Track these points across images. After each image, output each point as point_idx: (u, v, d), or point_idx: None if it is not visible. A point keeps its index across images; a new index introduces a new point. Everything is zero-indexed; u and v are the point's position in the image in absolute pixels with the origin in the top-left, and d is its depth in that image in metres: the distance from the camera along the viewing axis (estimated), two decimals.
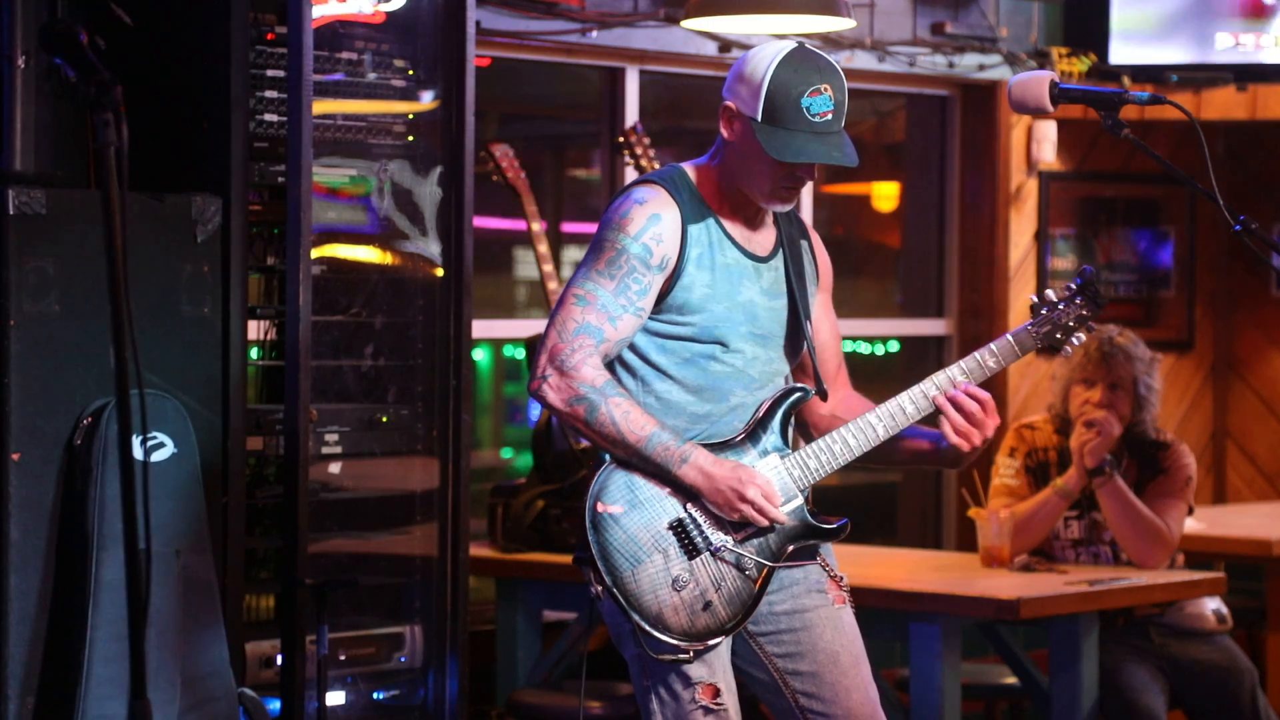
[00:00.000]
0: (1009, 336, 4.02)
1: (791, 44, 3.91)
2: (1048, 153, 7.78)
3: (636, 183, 3.98)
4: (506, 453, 7.44)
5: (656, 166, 5.81)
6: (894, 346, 7.90)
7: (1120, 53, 7.75)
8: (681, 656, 3.85)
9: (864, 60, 7.23)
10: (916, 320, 7.92)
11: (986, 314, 7.76)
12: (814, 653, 3.99)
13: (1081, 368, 5.71)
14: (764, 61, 3.87)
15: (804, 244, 4.09)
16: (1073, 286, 4.08)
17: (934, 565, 5.97)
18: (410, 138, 5.14)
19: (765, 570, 3.90)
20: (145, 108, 4.58)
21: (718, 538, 3.87)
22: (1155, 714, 5.59)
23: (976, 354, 4.00)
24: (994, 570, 5.55)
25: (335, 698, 4.97)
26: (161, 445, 4.53)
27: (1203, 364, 8.51)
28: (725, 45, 6.85)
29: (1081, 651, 5.43)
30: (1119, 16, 7.74)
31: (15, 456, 4.39)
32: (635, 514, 3.85)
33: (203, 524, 4.58)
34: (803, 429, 4.09)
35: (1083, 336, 4.07)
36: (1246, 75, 7.79)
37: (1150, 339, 6.06)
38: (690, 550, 3.86)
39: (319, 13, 4.90)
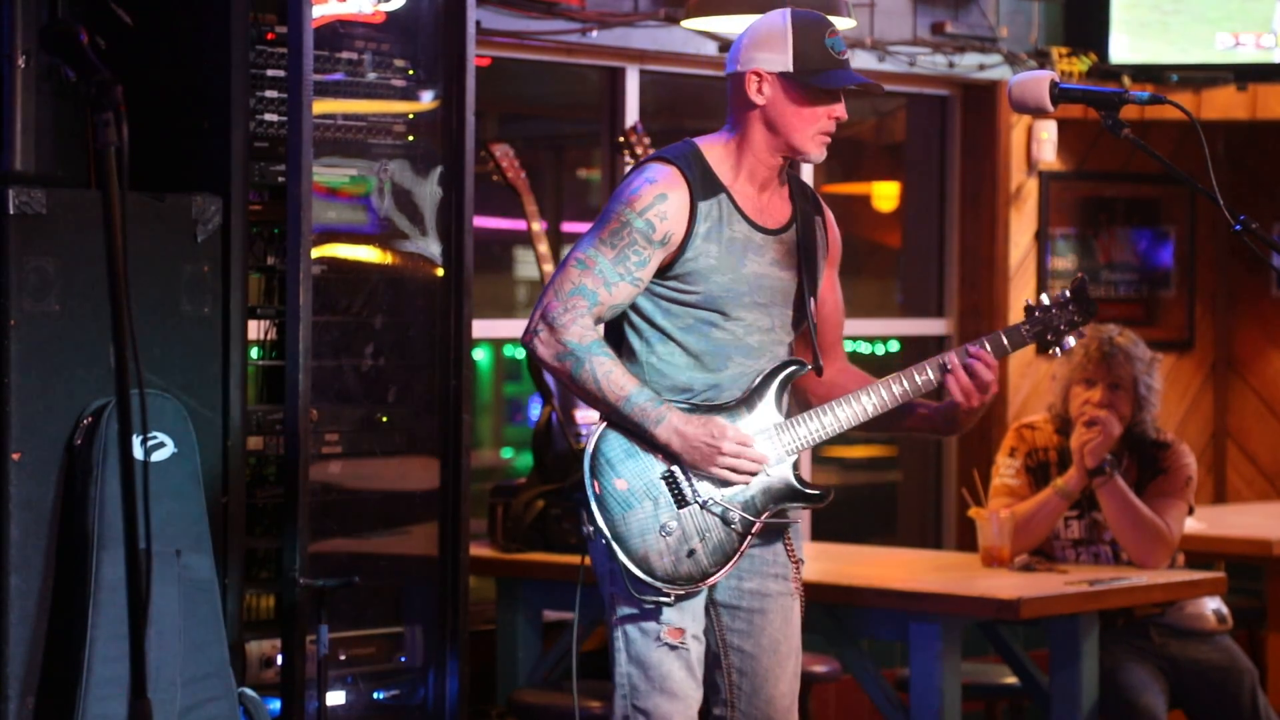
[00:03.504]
0: (1001, 334, 4.27)
1: (785, 8, 4.18)
2: (1048, 153, 7.77)
3: (651, 159, 4.18)
4: (506, 453, 7.44)
5: None
6: (894, 346, 7.90)
7: (1120, 52, 7.75)
8: (663, 599, 4.06)
9: (864, 60, 7.23)
10: (916, 320, 7.92)
11: (986, 314, 7.76)
12: (760, 636, 4.21)
13: (1082, 368, 5.71)
14: (777, 23, 4.14)
15: (818, 219, 4.30)
16: (1068, 293, 4.30)
17: (934, 565, 5.97)
18: (410, 137, 5.14)
19: (749, 525, 4.10)
20: (145, 108, 4.58)
21: (706, 490, 4.08)
22: (1155, 714, 5.59)
23: (969, 345, 4.22)
24: (994, 570, 5.55)
25: (335, 698, 4.97)
26: (161, 445, 4.53)
27: (1203, 364, 8.51)
28: (725, 45, 6.84)
29: (1081, 651, 5.43)
30: (1119, 16, 7.74)
31: (15, 456, 4.39)
32: (631, 462, 4.07)
33: (203, 524, 4.58)
34: (801, 399, 4.29)
35: (1072, 341, 4.30)
36: (1246, 75, 7.79)
37: (1150, 339, 6.05)
38: (679, 500, 4.08)
39: (319, 13, 4.90)
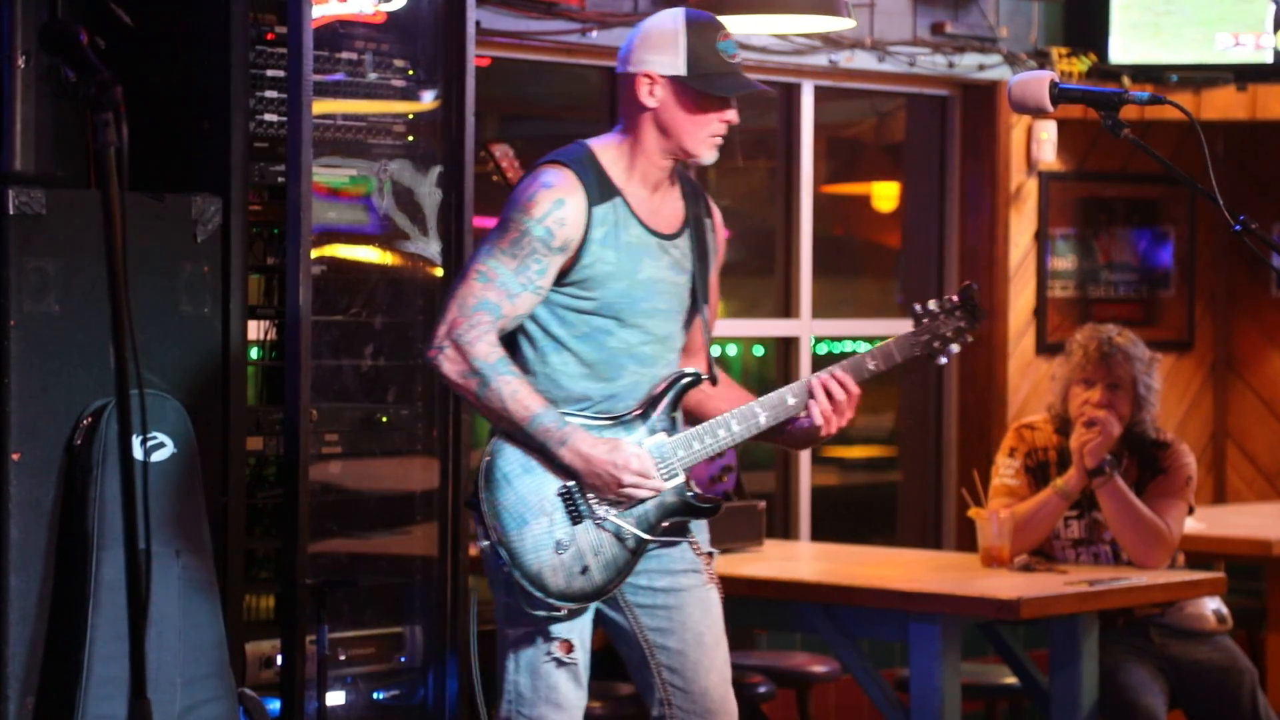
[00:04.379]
0: (891, 344, 4.25)
1: (678, 9, 4.17)
2: (1048, 153, 7.78)
3: (544, 163, 4.16)
4: None
5: None
6: None
7: (1120, 53, 7.75)
8: (556, 615, 4.08)
9: (864, 60, 7.23)
10: None
11: (986, 314, 7.75)
12: (683, 630, 4.20)
13: (1081, 368, 5.70)
14: (669, 26, 4.13)
15: (707, 223, 4.28)
16: (954, 299, 4.31)
17: (934, 565, 5.97)
18: (410, 138, 5.14)
19: (641, 542, 4.12)
20: (145, 108, 4.58)
21: (601, 508, 4.09)
22: (1155, 714, 5.59)
23: (858, 356, 4.22)
24: (994, 570, 5.55)
25: (335, 698, 4.97)
26: (161, 445, 4.53)
27: (1203, 364, 8.52)
28: None
29: (1081, 651, 5.42)
30: (1119, 16, 7.75)
31: (15, 456, 4.39)
32: (527, 477, 4.07)
33: (203, 524, 4.58)
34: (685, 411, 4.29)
35: (957, 348, 4.31)
36: (1246, 75, 7.79)
37: (1150, 339, 6.05)
38: (575, 517, 4.08)
39: (319, 13, 4.90)
